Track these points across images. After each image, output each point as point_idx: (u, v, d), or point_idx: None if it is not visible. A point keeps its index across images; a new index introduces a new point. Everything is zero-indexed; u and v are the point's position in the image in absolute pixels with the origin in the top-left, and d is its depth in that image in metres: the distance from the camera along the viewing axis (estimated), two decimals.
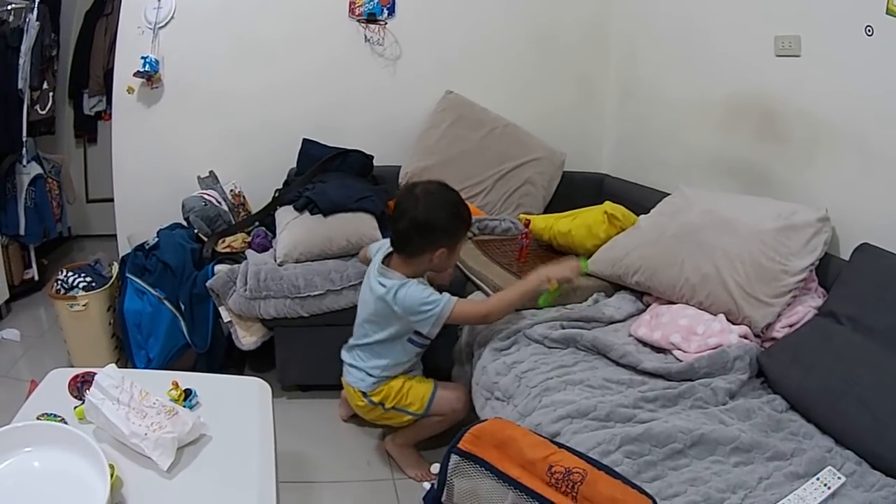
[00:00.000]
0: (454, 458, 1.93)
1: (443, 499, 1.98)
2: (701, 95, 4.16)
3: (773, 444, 2.11)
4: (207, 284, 3.91)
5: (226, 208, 4.64)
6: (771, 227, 2.89)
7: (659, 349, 2.78)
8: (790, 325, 2.74)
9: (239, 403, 2.34)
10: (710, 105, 4.05)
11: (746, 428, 2.18)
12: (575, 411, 2.29)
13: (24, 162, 5.93)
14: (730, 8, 3.84)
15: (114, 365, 2.21)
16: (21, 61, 5.60)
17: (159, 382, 2.25)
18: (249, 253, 3.95)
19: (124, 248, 5.06)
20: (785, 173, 3.45)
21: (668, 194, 3.78)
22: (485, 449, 1.88)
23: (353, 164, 4.78)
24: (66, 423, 1.99)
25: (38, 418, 2.03)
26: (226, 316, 3.94)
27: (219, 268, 3.96)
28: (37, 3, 5.67)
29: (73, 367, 4.13)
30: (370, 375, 3.16)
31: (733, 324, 2.80)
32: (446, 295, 2.95)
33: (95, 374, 2.17)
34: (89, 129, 7.79)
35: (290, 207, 4.21)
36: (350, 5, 5.00)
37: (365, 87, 5.17)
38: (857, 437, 2.13)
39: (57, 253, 7.02)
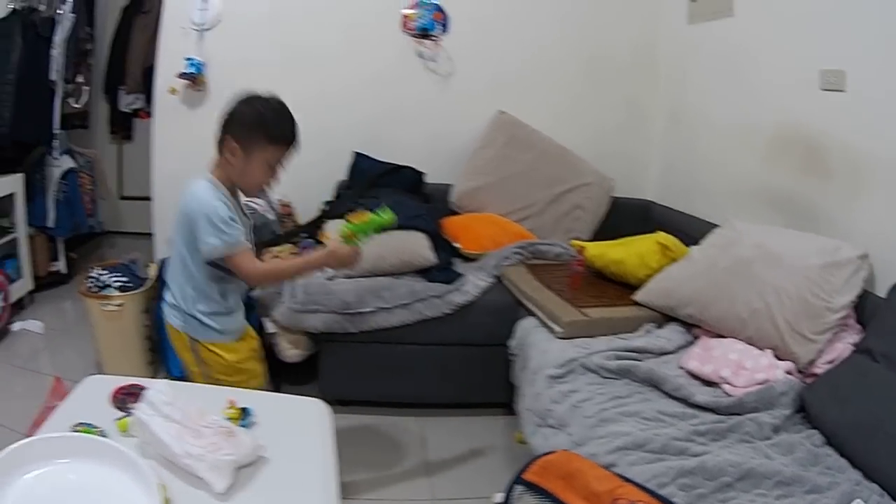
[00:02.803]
0: (518, 488, 2.14)
1: None
2: (747, 125, 4.38)
3: (812, 478, 2.31)
4: (253, 295, 4.10)
5: (273, 217, 4.83)
6: (816, 263, 3.08)
7: (709, 382, 2.99)
8: (830, 362, 2.93)
9: (297, 424, 2.34)
10: (756, 135, 4.26)
11: (788, 462, 2.40)
12: (630, 443, 2.49)
13: (56, 154, 6.11)
14: (778, 39, 4.06)
15: (167, 380, 2.28)
16: (54, 52, 5.78)
17: (214, 399, 2.25)
18: None
19: (161, 250, 5.32)
20: (827, 207, 3.63)
21: (713, 224, 4.04)
22: (550, 480, 2.07)
23: (405, 180, 5.02)
24: (105, 435, 1.98)
25: (75, 428, 2.01)
26: (270, 327, 4.13)
27: None
28: None
29: (100, 367, 4.56)
30: None
31: (779, 359, 2.98)
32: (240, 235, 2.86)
33: (141, 385, 2.28)
34: (125, 126, 7.99)
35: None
36: (403, 19, 5.25)
37: (416, 102, 5.41)
38: (883, 471, 2.33)
39: (86, 248, 7.24)
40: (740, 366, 2.96)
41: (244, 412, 2.23)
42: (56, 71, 5.87)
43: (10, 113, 5.40)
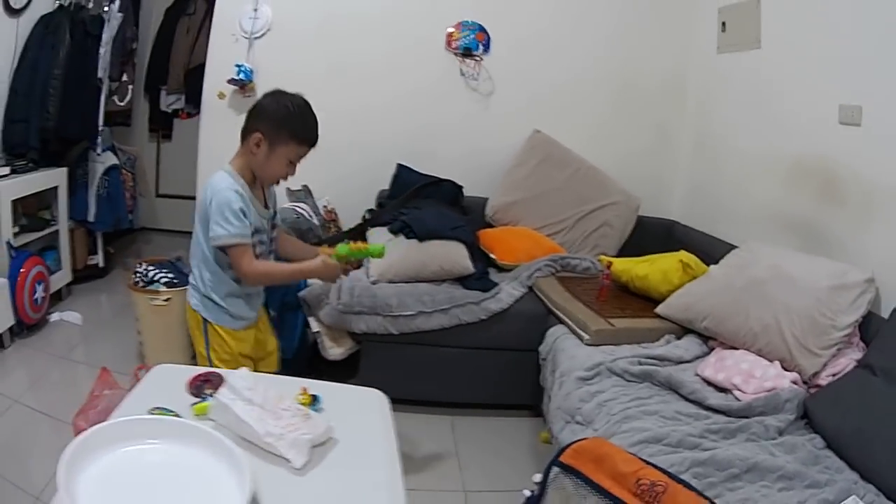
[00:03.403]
0: (555, 469, 2.42)
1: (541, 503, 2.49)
2: (768, 153, 4.63)
3: (811, 474, 2.59)
4: (300, 295, 4.37)
5: (316, 222, 5.08)
6: (825, 285, 3.36)
7: (721, 388, 3.28)
8: (833, 375, 3.22)
9: (360, 410, 2.44)
10: (777, 163, 4.51)
11: (790, 460, 2.67)
12: (651, 437, 2.78)
13: (99, 151, 6.30)
14: (801, 73, 4.33)
15: (246, 369, 2.36)
16: (102, 51, 5.97)
17: (286, 387, 2.35)
18: None
19: None
20: (839, 233, 3.90)
21: (733, 245, 4.35)
22: (583, 462, 2.32)
23: (445, 192, 5.27)
24: (179, 417, 2.08)
25: (151, 411, 2.09)
26: (315, 326, 4.36)
27: (312, 280, 4.35)
28: None
29: (142, 358, 4.83)
30: None
31: (786, 370, 3.28)
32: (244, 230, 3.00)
33: (218, 374, 2.38)
34: (165, 125, 8.20)
35: (385, 229, 4.72)
36: (447, 38, 5.54)
37: (457, 118, 5.69)
38: (879, 473, 2.61)
39: (122, 242, 7.48)
40: (750, 374, 3.25)
41: (314, 398, 2.35)
42: (103, 69, 6.07)
43: (57, 108, 5.55)
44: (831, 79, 4.04)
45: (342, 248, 3.16)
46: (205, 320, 3.23)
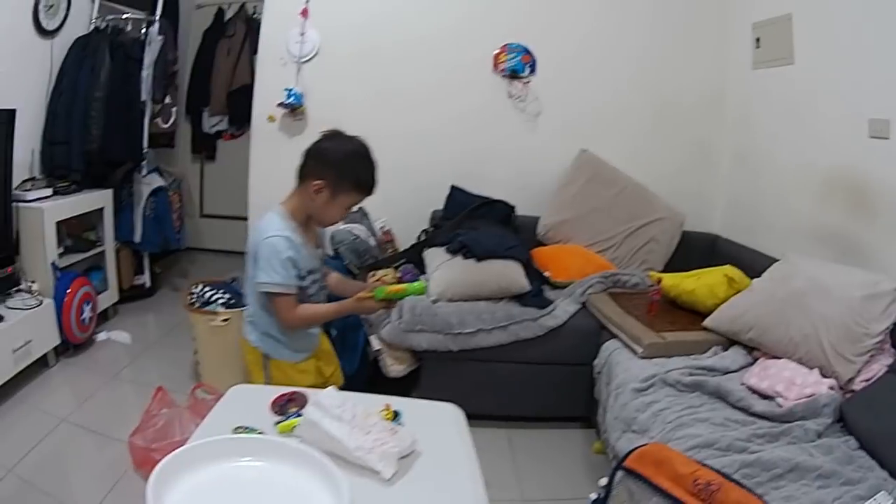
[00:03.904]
0: (619, 473, 2.69)
1: None
2: (804, 166, 4.88)
3: (847, 473, 2.87)
4: (362, 315, 4.59)
5: (373, 244, 5.36)
6: (858, 294, 3.60)
7: (765, 395, 3.54)
8: (866, 380, 3.48)
9: (439, 425, 2.57)
10: (811, 176, 4.77)
11: (828, 460, 2.95)
12: (703, 443, 3.07)
13: (144, 172, 6.61)
14: (832, 88, 4.58)
15: (334, 388, 2.46)
16: (144, 73, 6.31)
17: (371, 404, 2.47)
18: None
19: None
20: (871, 244, 4.18)
21: (772, 258, 4.58)
22: (645, 466, 2.61)
23: (498, 213, 5.60)
24: (263, 434, 2.22)
25: (236, 430, 2.23)
26: (376, 344, 4.62)
27: None
28: (158, 17, 6.44)
29: (197, 377, 5.02)
30: None
31: (824, 377, 3.55)
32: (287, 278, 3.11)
33: (301, 393, 2.54)
34: (208, 146, 8.53)
35: (442, 249, 4.99)
36: (494, 60, 5.89)
37: (506, 139, 6.08)
38: None
39: (166, 262, 7.77)
40: (792, 382, 3.52)
41: (396, 414, 2.50)
42: (146, 91, 6.41)
43: (100, 131, 5.85)
44: (861, 93, 4.29)
45: (380, 291, 3.21)
46: (265, 356, 3.35)
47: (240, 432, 2.22)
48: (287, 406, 2.48)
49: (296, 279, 3.17)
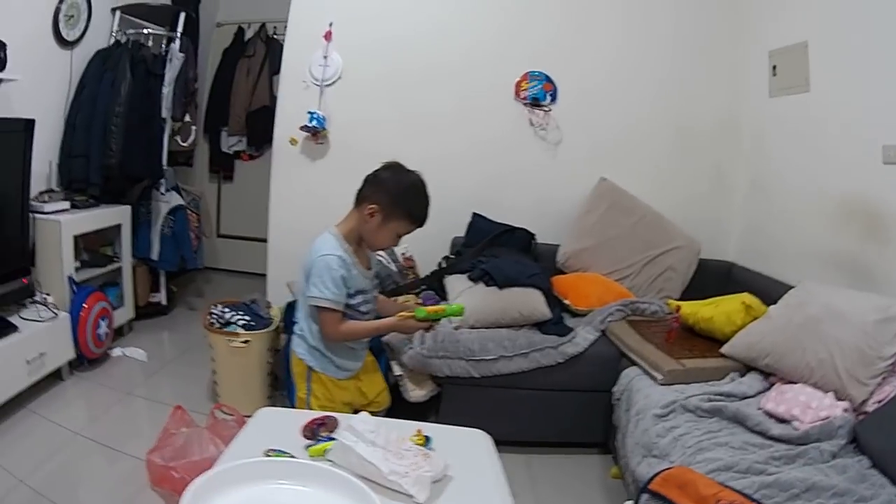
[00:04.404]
0: (644, 496, 2.89)
1: None
2: (818, 193, 5.00)
3: (860, 491, 2.99)
4: (384, 340, 4.70)
5: (395, 269, 5.57)
6: (871, 319, 3.71)
7: (782, 419, 3.66)
8: (879, 401, 3.58)
9: (469, 450, 2.67)
10: (825, 202, 4.89)
11: (842, 479, 3.06)
12: (723, 466, 3.17)
13: (163, 190, 6.82)
14: (847, 115, 4.71)
15: (369, 413, 2.61)
16: (165, 90, 6.52)
17: (403, 429, 2.59)
18: None
19: (275, 291, 6.03)
20: (885, 269, 4.31)
21: (787, 284, 4.70)
22: (670, 489, 2.80)
23: (518, 240, 5.80)
24: (293, 458, 2.29)
25: (267, 453, 2.31)
26: (397, 370, 4.74)
27: None
28: (179, 34, 6.66)
29: (215, 397, 5.20)
30: None
31: (838, 400, 3.67)
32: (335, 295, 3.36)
33: (331, 416, 2.65)
34: (226, 166, 8.77)
35: (464, 276, 5.18)
36: (516, 88, 6.10)
37: (527, 166, 6.28)
38: None
39: (182, 280, 8.03)
40: (808, 405, 3.64)
41: (427, 439, 2.60)
42: (167, 108, 6.62)
43: (119, 145, 6.03)
44: (875, 120, 4.42)
45: (420, 311, 3.45)
46: (309, 368, 3.59)
47: (271, 455, 2.31)
48: (319, 430, 2.57)
49: (344, 297, 3.41)
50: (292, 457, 2.32)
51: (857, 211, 4.60)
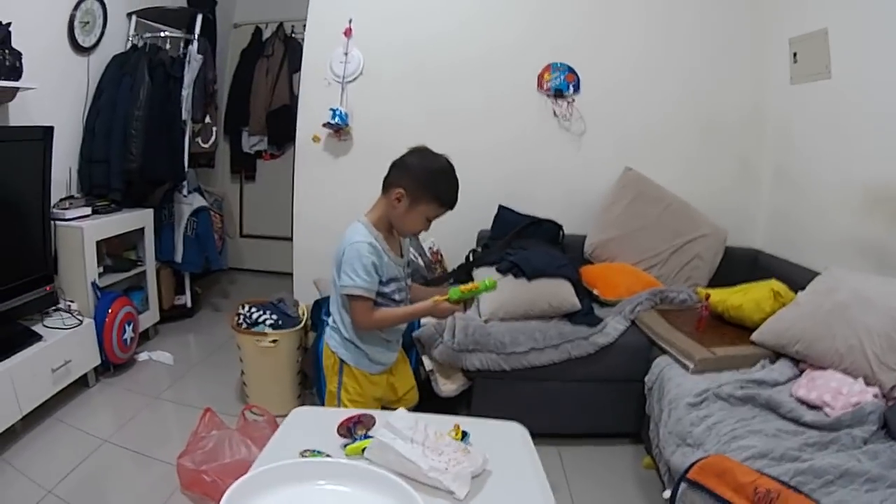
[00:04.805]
0: (683, 485, 2.97)
1: None
2: (843, 180, 5.04)
3: (892, 476, 3.03)
4: (414, 335, 4.75)
5: (422, 263, 5.60)
6: None
7: (813, 406, 3.70)
8: None
9: (506, 444, 2.68)
10: (850, 189, 4.93)
11: (874, 465, 3.09)
12: (757, 453, 3.21)
13: (185, 192, 6.88)
14: (869, 101, 4.76)
15: (404, 409, 2.58)
16: (184, 93, 6.57)
17: (441, 425, 2.58)
18: None
19: (301, 290, 6.05)
20: None
21: (813, 271, 4.75)
22: (708, 478, 2.85)
23: (546, 232, 5.85)
24: (330, 458, 2.31)
25: (303, 454, 2.33)
26: (428, 364, 4.76)
27: (425, 320, 4.70)
28: (196, 36, 6.71)
29: (245, 398, 5.23)
30: None
31: (868, 386, 3.72)
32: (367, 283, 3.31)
33: (369, 415, 2.64)
34: (247, 166, 8.82)
35: (492, 269, 5.14)
36: (538, 79, 6.14)
37: (552, 158, 6.34)
38: None
39: (206, 282, 8.08)
40: (838, 392, 3.69)
41: (464, 434, 2.59)
42: (187, 110, 6.68)
43: (140, 150, 6.06)
44: None
45: (454, 292, 3.34)
46: (342, 361, 3.54)
47: (307, 456, 2.33)
48: (355, 428, 2.57)
49: (376, 284, 3.38)
50: (329, 456, 2.35)
51: (882, 198, 4.62)
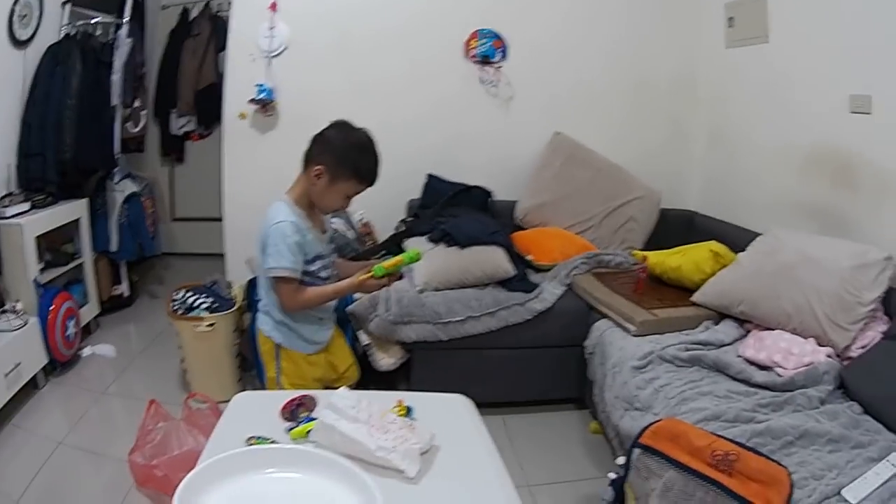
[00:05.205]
0: (636, 450, 2.75)
1: (627, 482, 2.80)
2: (783, 143, 4.94)
3: (855, 437, 2.95)
4: (348, 310, 4.56)
5: (352, 236, 5.31)
6: (848, 265, 3.69)
7: (763, 366, 3.61)
8: (862, 347, 3.58)
9: (451, 416, 2.59)
10: (791, 152, 4.82)
11: (835, 425, 3.02)
12: (710, 416, 3.12)
13: (117, 179, 6.49)
14: (810, 65, 4.64)
15: (346, 388, 2.44)
16: (114, 77, 6.17)
17: (384, 401, 2.47)
18: None
19: (233, 270, 5.78)
20: (856, 216, 4.25)
21: (752, 232, 4.67)
22: (661, 442, 2.64)
23: (475, 199, 5.61)
24: (276, 443, 2.21)
25: (249, 441, 2.22)
26: (364, 339, 4.59)
27: (359, 293, 4.47)
28: (126, 20, 6.31)
29: (187, 386, 5.01)
30: None
31: (820, 346, 3.63)
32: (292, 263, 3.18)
33: (310, 396, 2.53)
34: (176, 148, 8.41)
35: (424, 238, 4.99)
36: (465, 47, 5.85)
37: (479, 124, 6.00)
38: None
39: (142, 269, 7.63)
40: (789, 352, 3.59)
41: (408, 410, 2.50)
42: (117, 95, 6.28)
43: (73, 139, 5.66)
44: (840, 69, 4.34)
45: (378, 269, 3.24)
46: (277, 346, 3.42)
47: (253, 443, 2.21)
48: (298, 411, 2.46)
49: (301, 264, 3.23)
50: (275, 442, 2.24)
51: (824, 160, 4.56)
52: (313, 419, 2.32)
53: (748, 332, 4.09)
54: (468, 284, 4.74)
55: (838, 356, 3.66)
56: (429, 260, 4.63)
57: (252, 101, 5.70)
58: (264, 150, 5.87)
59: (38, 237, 5.32)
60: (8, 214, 5.09)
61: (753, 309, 4.03)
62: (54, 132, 5.59)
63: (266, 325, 3.44)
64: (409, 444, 2.18)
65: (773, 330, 3.90)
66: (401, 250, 4.99)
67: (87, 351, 5.76)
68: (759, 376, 3.55)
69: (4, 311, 4.88)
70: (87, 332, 6.05)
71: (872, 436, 3.04)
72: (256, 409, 2.57)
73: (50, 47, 5.74)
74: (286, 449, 2.12)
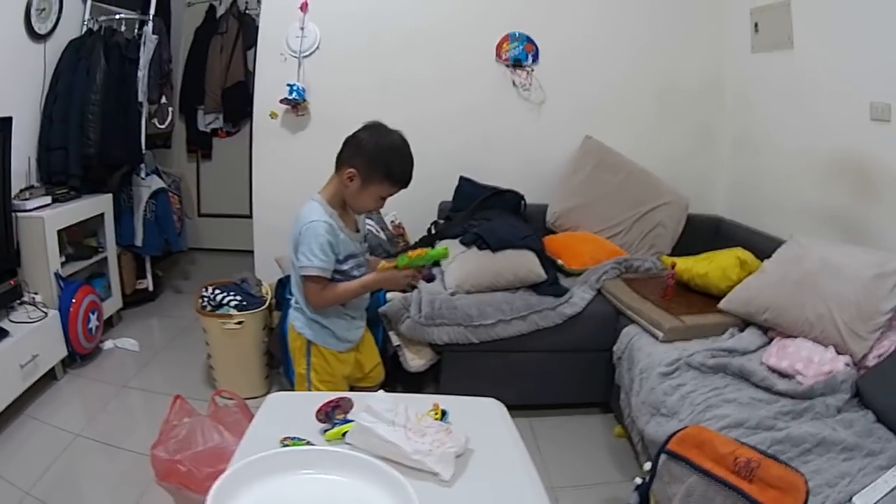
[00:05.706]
0: (663, 456, 2.90)
1: (651, 488, 2.91)
2: (805, 149, 5.04)
3: (867, 445, 3.07)
4: (380, 311, 4.69)
5: (384, 237, 5.52)
6: (869, 273, 3.76)
7: (784, 374, 3.73)
8: (879, 355, 3.65)
9: (485, 420, 2.65)
10: (813, 158, 4.93)
11: (850, 434, 3.15)
12: (733, 422, 3.27)
13: (143, 175, 6.69)
14: (832, 72, 4.73)
15: (383, 391, 2.57)
16: (140, 74, 6.40)
17: (420, 405, 2.54)
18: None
19: (263, 268, 5.98)
20: (876, 224, 4.35)
21: (777, 238, 4.77)
22: (687, 449, 2.75)
23: (508, 202, 5.78)
24: (311, 444, 2.26)
25: (283, 442, 2.26)
26: (395, 340, 4.73)
27: (391, 295, 4.69)
28: (151, 16, 6.52)
29: (213, 382, 5.15)
30: None
31: (839, 354, 3.75)
32: (323, 264, 3.26)
33: (347, 398, 2.56)
34: (203, 145, 8.65)
35: (456, 241, 5.10)
36: (497, 49, 6.06)
37: (511, 128, 6.26)
38: None
39: (167, 264, 7.87)
40: (810, 360, 3.71)
41: (443, 413, 2.55)
42: (143, 92, 6.51)
43: (98, 134, 5.87)
44: (862, 77, 4.44)
45: (402, 259, 3.37)
46: (309, 342, 3.51)
47: (287, 444, 2.27)
48: (333, 413, 2.51)
49: (333, 263, 3.33)
50: (310, 444, 2.29)
51: (846, 167, 4.63)
52: (349, 421, 2.39)
53: (771, 339, 4.19)
54: (500, 288, 4.87)
55: (856, 364, 3.76)
56: (461, 263, 4.88)
57: (283, 100, 5.88)
58: (295, 150, 6.06)
59: (61, 231, 5.50)
60: (28, 207, 5.31)
61: (778, 317, 4.14)
62: (77, 126, 5.80)
63: (298, 322, 3.53)
64: (444, 447, 2.23)
65: (795, 338, 4.00)
66: None
67: (108, 344, 5.95)
68: (781, 384, 3.67)
69: (23, 303, 5.12)
70: (109, 325, 6.26)
71: (883, 444, 3.16)
72: (290, 409, 2.65)
73: (72, 42, 5.97)
74: (323, 450, 2.17)
